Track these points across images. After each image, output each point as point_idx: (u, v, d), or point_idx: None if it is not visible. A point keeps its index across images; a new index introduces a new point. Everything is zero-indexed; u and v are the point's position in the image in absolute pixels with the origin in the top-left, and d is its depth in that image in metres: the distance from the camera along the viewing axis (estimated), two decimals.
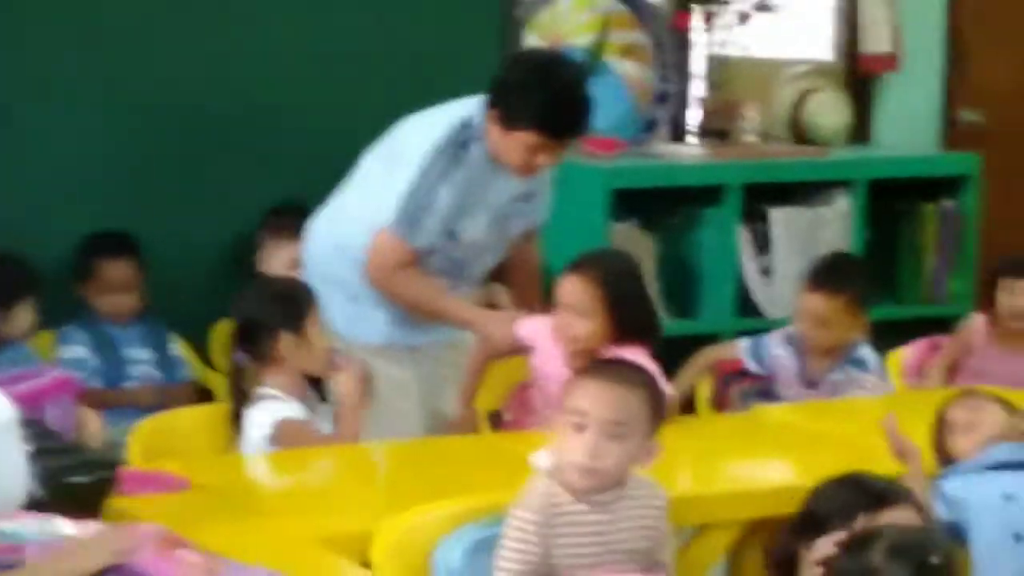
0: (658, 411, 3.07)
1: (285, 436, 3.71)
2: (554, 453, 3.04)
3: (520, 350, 4.11)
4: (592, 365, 3.18)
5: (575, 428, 2.98)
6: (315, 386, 3.93)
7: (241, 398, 3.81)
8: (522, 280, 4.55)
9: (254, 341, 3.82)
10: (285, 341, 3.79)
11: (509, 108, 4.10)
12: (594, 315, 3.89)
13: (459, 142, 4.16)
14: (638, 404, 3.02)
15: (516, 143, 4.11)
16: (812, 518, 3.11)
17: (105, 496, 3.08)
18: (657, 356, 3.94)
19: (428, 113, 4.29)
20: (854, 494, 3.10)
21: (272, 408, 3.75)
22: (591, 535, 3.02)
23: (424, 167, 4.13)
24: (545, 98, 4.09)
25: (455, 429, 4.20)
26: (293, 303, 3.86)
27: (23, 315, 4.60)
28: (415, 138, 4.22)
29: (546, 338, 4.02)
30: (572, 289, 3.92)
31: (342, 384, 3.80)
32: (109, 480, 3.10)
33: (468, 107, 4.22)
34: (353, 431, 3.79)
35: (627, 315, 3.92)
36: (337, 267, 4.32)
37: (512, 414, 4.30)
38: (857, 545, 2.76)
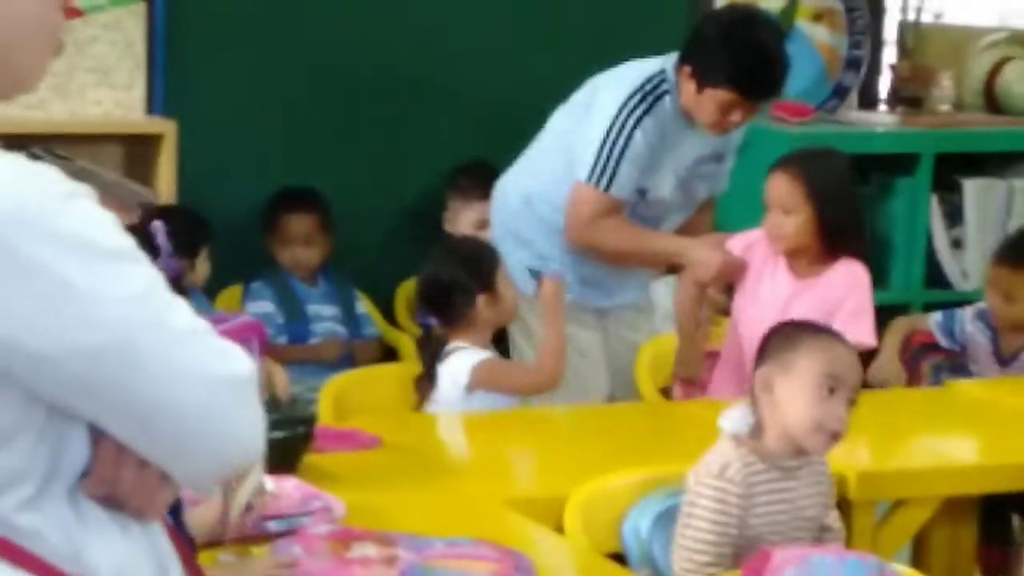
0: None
1: (485, 377, 3.73)
2: (742, 418, 2.99)
3: (732, 274, 4.05)
4: (808, 326, 3.11)
5: (826, 391, 2.92)
6: (496, 344, 3.97)
7: (432, 359, 3.81)
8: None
9: (446, 304, 3.84)
10: (480, 302, 3.81)
11: (704, 65, 4.07)
12: (801, 211, 3.89)
13: (653, 91, 4.14)
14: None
15: (710, 100, 4.08)
16: None
17: (302, 453, 3.10)
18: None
19: (619, 68, 4.27)
20: None
21: (467, 356, 3.77)
22: (784, 503, 2.98)
23: (618, 113, 4.12)
24: (741, 56, 4.06)
25: (685, 361, 4.12)
26: (483, 263, 3.88)
27: (202, 265, 4.66)
28: (606, 90, 4.21)
29: (759, 251, 4.00)
30: (778, 186, 3.93)
31: (544, 292, 3.79)
32: (307, 436, 3.12)
33: (660, 62, 4.20)
34: (557, 342, 3.78)
35: (834, 211, 3.90)
36: (525, 224, 4.31)
37: (682, 390, 4.22)
38: None
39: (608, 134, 4.11)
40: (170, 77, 4.88)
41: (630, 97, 4.13)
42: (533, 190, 4.30)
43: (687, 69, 4.10)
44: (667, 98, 4.14)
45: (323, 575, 2.50)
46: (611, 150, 4.11)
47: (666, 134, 4.16)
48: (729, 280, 4.09)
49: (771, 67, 4.11)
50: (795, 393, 2.93)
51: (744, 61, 4.06)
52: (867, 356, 4.17)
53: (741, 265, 4.03)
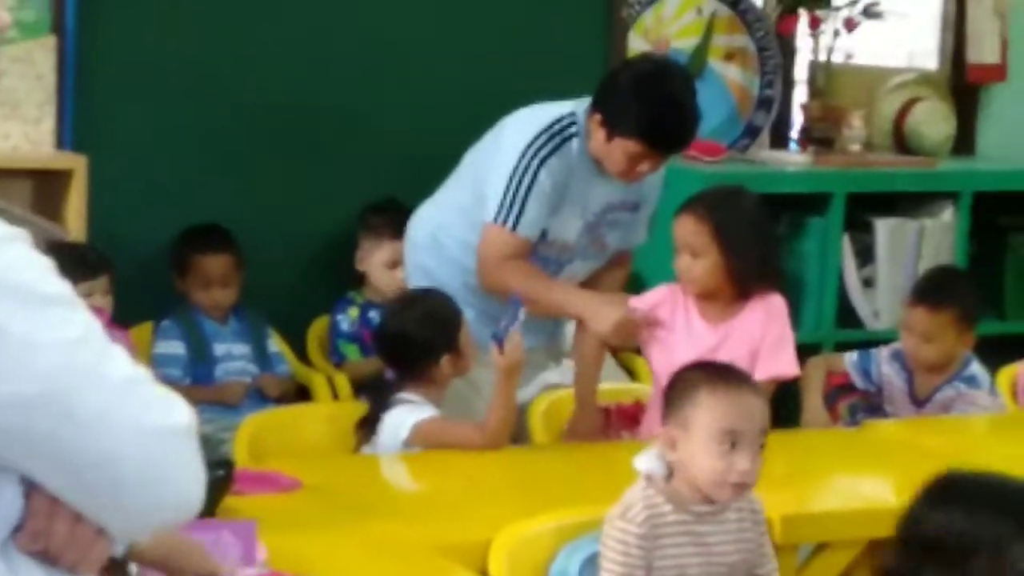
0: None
1: (425, 437, 3.68)
2: (657, 458, 2.96)
3: (632, 333, 3.99)
4: (709, 373, 3.03)
5: (726, 445, 2.90)
6: None
7: (378, 408, 3.77)
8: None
9: (408, 360, 3.80)
10: (444, 361, 3.78)
11: (615, 114, 4.05)
12: (709, 253, 3.85)
13: (560, 132, 4.12)
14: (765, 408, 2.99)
15: (619, 150, 4.05)
16: (944, 545, 2.62)
17: (222, 495, 3.05)
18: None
19: (529, 109, 4.25)
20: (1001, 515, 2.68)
21: (411, 412, 3.72)
22: (694, 546, 2.96)
23: (524, 152, 4.08)
24: (651, 109, 4.03)
25: (576, 429, 4.05)
26: (448, 322, 3.84)
27: (96, 301, 4.49)
28: (513, 129, 4.18)
29: (667, 307, 3.96)
30: (685, 228, 3.88)
31: (502, 358, 3.72)
32: (227, 479, 3.07)
33: (572, 105, 4.18)
34: (508, 405, 3.73)
35: (743, 251, 3.86)
36: (430, 260, 4.30)
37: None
38: None
39: (514, 173, 4.09)
40: (80, 111, 4.81)
41: (537, 137, 4.10)
42: (439, 226, 4.29)
43: (597, 117, 4.07)
44: (575, 141, 4.11)
45: None
46: (516, 189, 4.08)
47: (573, 177, 4.13)
48: (630, 339, 4.04)
49: (681, 121, 4.07)
50: (696, 449, 2.91)
51: (654, 114, 4.02)
52: (787, 386, 4.21)
53: (643, 322, 3.95)
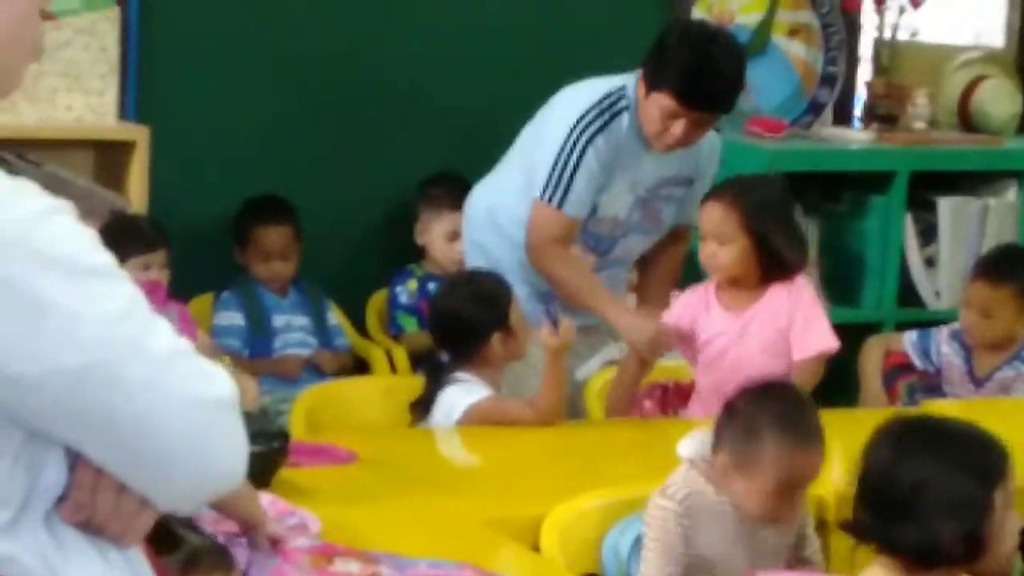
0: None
1: (478, 420, 3.68)
2: (701, 444, 2.96)
3: (667, 344, 3.99)
4: (775, 413, 2.93)
5: (786, 492, 2.90)
6: None
7: (434, 390, 3.77)
8: (653, 278, 4.44)
9: (459, 340, 3.80)
10: (494, 340, 3.77)
11: (655, 67, 4.05)
12: (736, 240, 3.83)
13: (609, 108, 4.11)
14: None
15: (653, 105, 4.04)
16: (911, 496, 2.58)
17: (277, 467, 3.06)
18: None
19: (580, 84, 4.24)
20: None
21: (465, 393, 3.72)
22: (735, 526, 2.95)
23: (571, 130, 4.08)
24: (688, 62, 4.01)
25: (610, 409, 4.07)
26: (498, 300, 3.83)
27: (154, 274, 4.51)
28: (561, 106, 4.18)
29: (691, 307, 3.96)
30: (712, 216, 3.87)
31: (551, 337, 3.73)
32: (282, 451, 3.08)
33: (623, 79, 4.17)
34: (558, 384, 3.74)
35: (770, 238, 3.85)
36: (487, 236, 4.31)
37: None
38: None
39: (561, 152, 4.08)
40: (143, 83, 4.83)
41: (585, 114, 4.10)
42: (495, 203, 4.30)
43: (641, 72, 4.07)
44: (624, 115, 4.10)
45: None
46: (564, 167, 4.08)
47: (622, 152, 4.12)
48: (663, 352, 4.02)
49: (714, 79, 4.03)
50: (752, 490, 2.91)
51: (689, 67, 4.00)
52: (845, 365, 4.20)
53: (675, 335, 3.96)
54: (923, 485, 2.46)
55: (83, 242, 1.58)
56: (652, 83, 4.03)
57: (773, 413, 2.93)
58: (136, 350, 1.58)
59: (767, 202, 3.90)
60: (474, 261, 4.30)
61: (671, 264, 4.43)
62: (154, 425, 1.59)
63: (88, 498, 1.63)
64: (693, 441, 2.99)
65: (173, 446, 1.61)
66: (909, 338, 4.55)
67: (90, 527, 1.65)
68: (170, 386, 1.60)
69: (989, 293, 4.40)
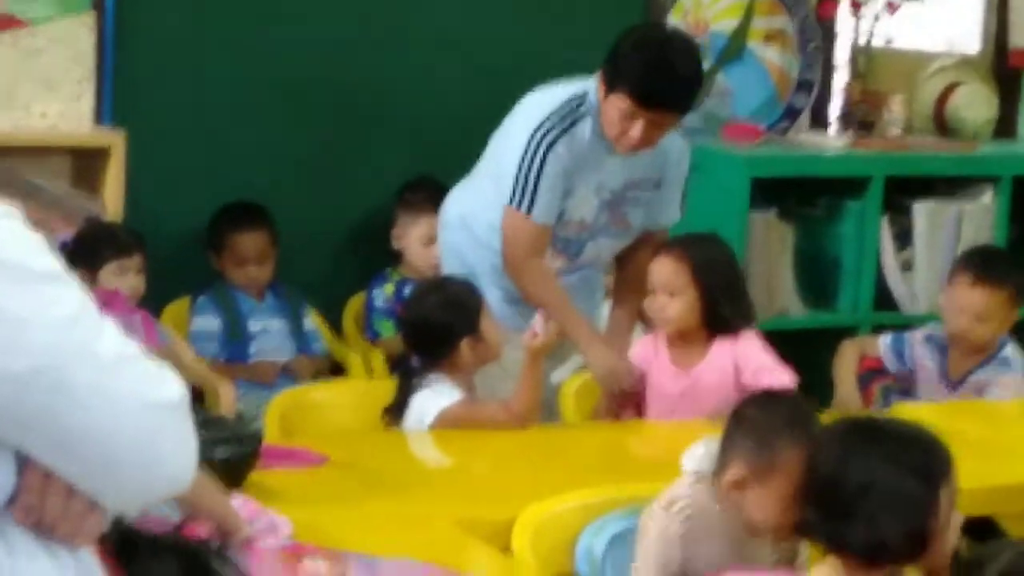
0: None
1: (451, 423, 3.69)
2: (706, 457, 2.94)
3: (623, 385, 4.04)
4: (789, 420, 2.89)
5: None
6: None
7: (405, 395, 3.79)
8: (627, 284, 4.42)
9: (429, 345, 3.82)
10: (463, 345, 3.79)
11: (612, 70, 4.08)
12: (686, 293, 3.92)
13: (569, 114, 4.14)
14: None
15: (612, 107, 4.06)
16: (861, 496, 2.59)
17: (248, 470, 3.07)
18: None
19: (542, 89, 4.27)
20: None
21: (437, 396, 3.73)
22: (734, 541, 2.95)
23: (531, 137, 4.10)
24: (643, 63, 4.04)
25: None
26: (467, 306, 3.86)
27: (128, 280, 4.51)
28: (525, 112, 4.20)
29: (655, 356, 4.03)
30: (663, 269, 3.96)
31: (532, 341, 3.77)
32: (252, 454, 3.08)
33: (586, 83, 4.18)
34: (535, 386, 3.77)
35: (719, 291, 3.92)
36: (461, 241, 4.32)
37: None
38: None
39: (523, 159, 4.11)
40: (119, 88, 4.83)
41: (544, 120, 4.12)
42: (468, 209, 4.32)
43: (600, 75, 4.11)
44: (587, 120, 4.12)
45: None
46: (527, 175, 4.11)
47: (584, 156, 4.14)
48: (617, 386, 4.05)
49: (670, 79, 4.06)
50: (771, 498, 2.84)
51: (645, 69, 4.03)
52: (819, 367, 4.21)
53: (632, 375, 4.03)
54: (869, 485, 2.49)
55: (31, 246, 1.59)
56: (609, 85, 4.07)
57: (784, 416, 2.90)
58: (84, 355, 1.58)
59: (716, 259, 4.01)
60: (449, 265, 4.32)
61: (645, 270, 4.44)
62: (102, 429, 1.60)
63: (37, 501, 1.64)
64: (700, 452, 2.96)
65: (120, 450, 1.62)
66: (883, 341, 4.56)
67: (41, 528, 1.65)
68: (118, 390, 1.60)
69: (988, 298, 4.39)
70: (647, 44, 4.11)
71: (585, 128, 4.13)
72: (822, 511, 2.54)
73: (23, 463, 1.63)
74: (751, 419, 2.91)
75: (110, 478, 1.63)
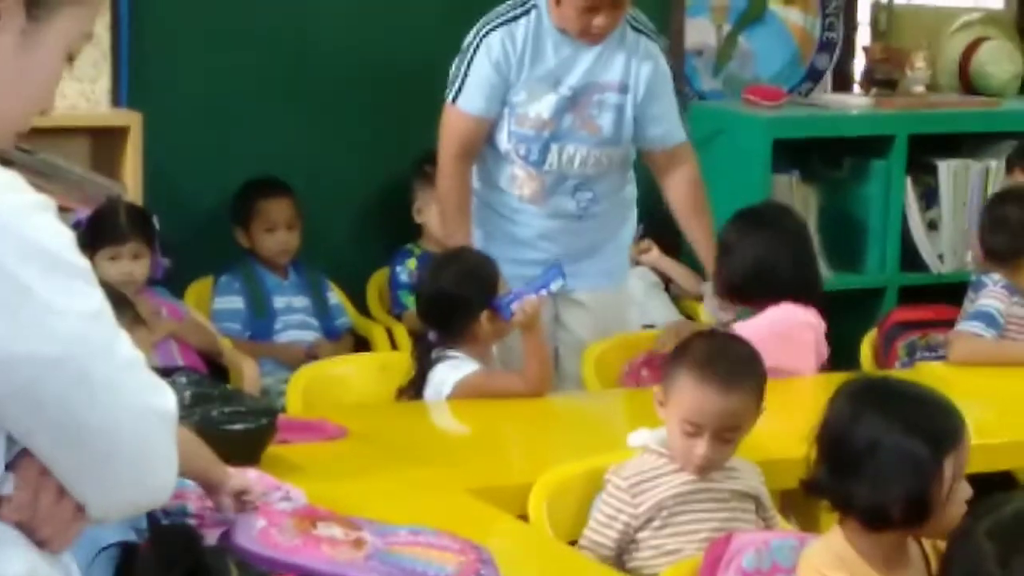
0: (763, 386, 3.01)
1: (468, 393, 3.68)
2: (649, 435, 3.04)
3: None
4: (700, 360, 2.98)
5: (688, 434, 2.95)
6: None
7: (423, 371, 3.77)
8: (685, 200, 4.43)
9: (447, 319, 3.79)
10: (482, 318, 3.76)
11: None
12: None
13: (510, 10, 4.26)
14: (748, 400, 2.98)
15: (568, 6, 4.15)
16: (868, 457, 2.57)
17: (265, 444, 3.07)
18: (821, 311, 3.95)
19: None
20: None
21: (454, 369, 3.72)
22: (689, 482, 2.99)
23: (475, 33, 4.25)
24: None
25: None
26: (485, 278, 3.83)
27: (137, 263, 4.51)
28: None
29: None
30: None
31: (521, 311, 3.75)
32: (269, 428, 3.09)
33: None
34: (539, 353, 3.77)
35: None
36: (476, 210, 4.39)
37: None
38: None
39: (464, 50, 4.26)
40: (136, 69, 4.84)
41: (491, 18, 4.26)
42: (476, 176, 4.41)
43: None
44: (531, 14, 4.21)
45: (294, 550, 2.47)
46: (459, 67, 4.27)
47: (528, 46, 4.20)
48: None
49: None
50: (670, 420, 3.00)
51: None
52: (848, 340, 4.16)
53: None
54: (876, 444, 2.47)
55: (67, 242, 1.64)
56: None
57: (693, 352, 3.01)
58: (105, 351, 1.64)
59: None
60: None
61: (687, 191, 4.43)
62: (109, 425, 1.65)
63: (30, 498, 1.67)
64: (642, 433, 3.07)
65: (122, 447, 1.67)
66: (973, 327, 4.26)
67: (25, 528, 1.68)
68: (128, 391, 1.66)
69: None
70: None
71: (530, 20, 4.21)
72: (830, 468, 2.53)
73: (19, 459, 1.67)
74: (679, 348, 3.06)
75: (105, 474, 1.68)
